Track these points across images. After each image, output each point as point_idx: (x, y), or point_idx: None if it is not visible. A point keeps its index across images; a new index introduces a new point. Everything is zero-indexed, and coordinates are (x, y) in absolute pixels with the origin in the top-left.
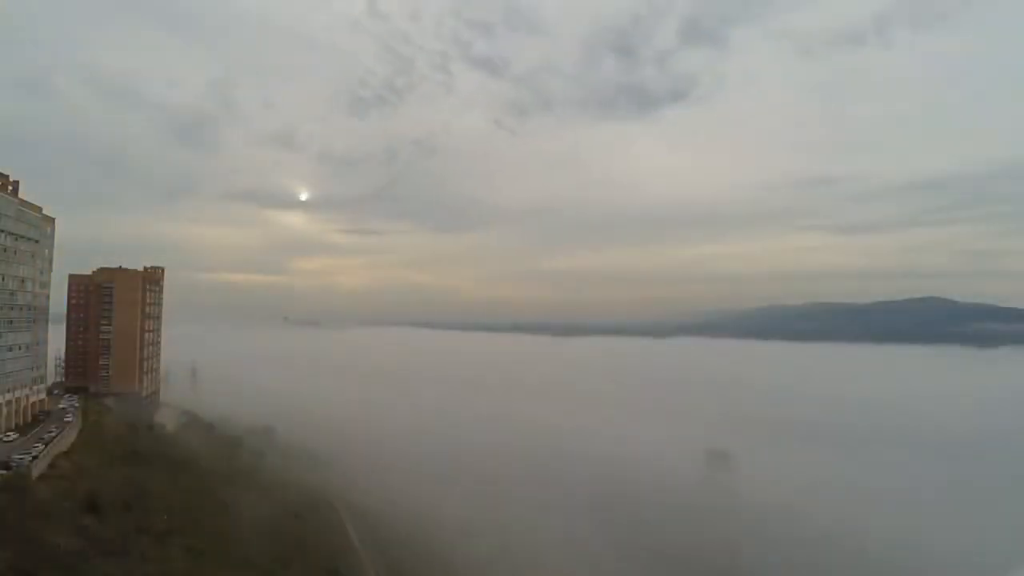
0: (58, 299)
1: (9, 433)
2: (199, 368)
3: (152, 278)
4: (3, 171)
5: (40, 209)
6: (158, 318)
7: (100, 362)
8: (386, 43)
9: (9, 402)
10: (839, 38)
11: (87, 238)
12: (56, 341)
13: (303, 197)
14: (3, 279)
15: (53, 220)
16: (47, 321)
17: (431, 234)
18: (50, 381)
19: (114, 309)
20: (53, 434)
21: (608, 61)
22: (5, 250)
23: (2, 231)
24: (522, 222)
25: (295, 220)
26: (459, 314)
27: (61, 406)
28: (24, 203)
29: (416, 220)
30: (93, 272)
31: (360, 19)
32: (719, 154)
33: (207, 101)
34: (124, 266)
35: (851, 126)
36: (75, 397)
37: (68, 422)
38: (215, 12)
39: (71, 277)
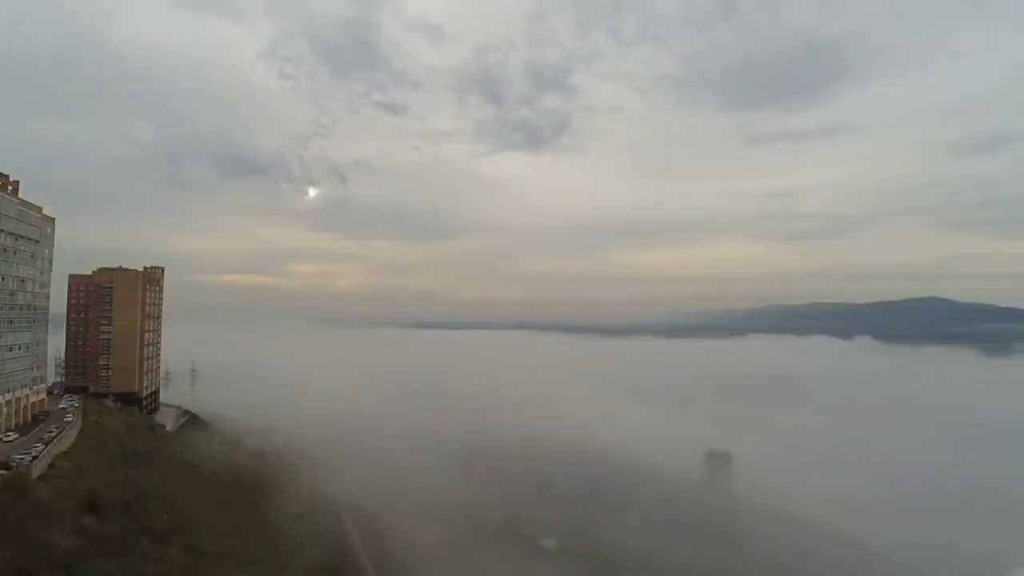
0: (58, 299)
1: (9, 433)
2: (199, 368)
3: (152, 278)
4: (3, 171)
5: (40, 209)
6: (158, 318)
7: (100, 362)
8: (302, 95)
9: (9, 402)
10: (663, 80)
11: (87, 241)
12: (56, 341)
13: (278, 210)
14: (3, 279)
15: (53, 220)
16: (47, 321)
17: (407, 243)
18: (50, 381)
19: (114, 309)
20: (53, 434)
21: (486, 105)
22: (5, 250)
23: (2, 231)
24: (485, 233)
25: (276, 230)
26: (444, 314)
27: (61, 406)
28: (24, 203)
29: (387, 231)
30: (93, 272)
31: (274, 80)
32: (614, 175)
33: (184, 141)
34: (124, 266)
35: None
36: (75, 397)
37: (68, 422)
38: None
39: (71, 277)
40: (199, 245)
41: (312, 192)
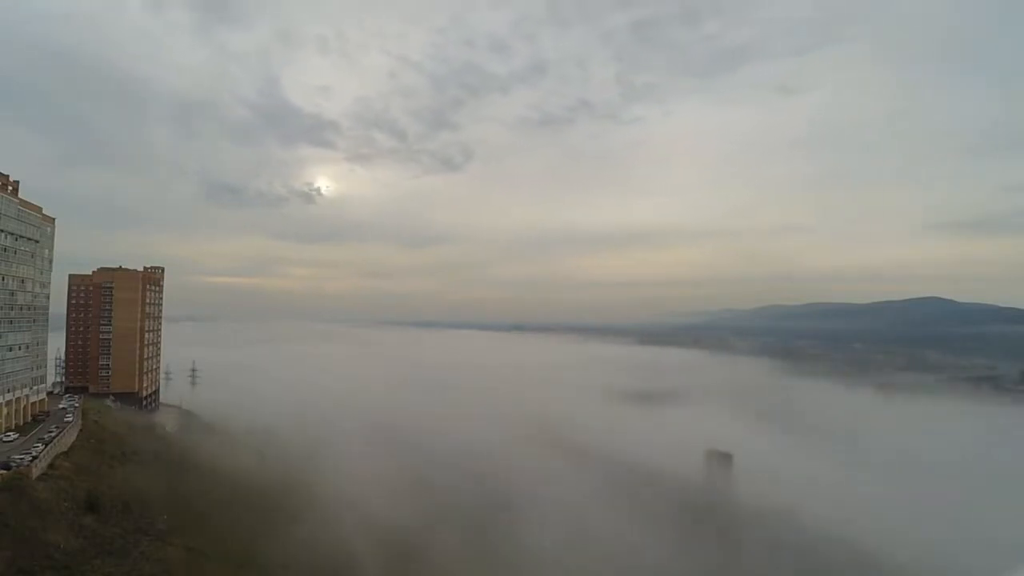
0: (58, 299)
1: (9, 433)
2: (199, 368)
3: (152, 278)
4: (3, 172)
5: (40, 209)
6: (158, 318)
7: (100, 362)
8: (238, 133)
9: (9, 402)
10: (525, 120)
11: (88, 245)
12: (56, 341)
13: (264, 219)
14: (3, 279)
15: (53, 220)
16: (47, 321)
17: (384, 251)
18: (50, 381)
19: (114, 309)
20: (53, 434)
21: (393, 141)
22: (5, 250)
23: (2, 231)
24: (457, 243)
25: (266, 239)
26: (434, 315)
27: (61, 406)
28: (24, 203)
29: (362, 240)
30: (93, 272)
31: (216, 127)
32: (532, 192)
33: (171, 169)
34: (124, 267)
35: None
36: (75, 397)
37: (68, 422)
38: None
39: (71, 277)
40: (195, 251)
41: (283, 209)
